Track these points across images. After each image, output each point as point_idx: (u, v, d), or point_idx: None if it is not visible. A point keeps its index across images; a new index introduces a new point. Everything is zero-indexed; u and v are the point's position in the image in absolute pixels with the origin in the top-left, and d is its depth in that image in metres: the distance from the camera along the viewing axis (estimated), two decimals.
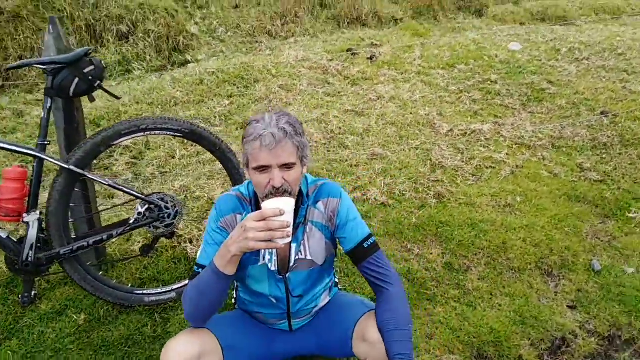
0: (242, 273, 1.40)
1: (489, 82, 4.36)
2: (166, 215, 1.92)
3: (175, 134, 1.92)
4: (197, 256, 1.39)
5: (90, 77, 1.74)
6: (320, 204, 1.42)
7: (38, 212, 1.74)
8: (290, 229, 1.15)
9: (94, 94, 1.84)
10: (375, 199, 2.54)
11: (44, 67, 1.69)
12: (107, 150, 2.55)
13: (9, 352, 1.76)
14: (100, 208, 2.23)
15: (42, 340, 1.81)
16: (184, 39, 5.40)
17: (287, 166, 1.25)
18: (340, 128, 3.43)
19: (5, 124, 3.59)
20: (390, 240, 2.28)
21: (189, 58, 5.28)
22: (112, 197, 2.72)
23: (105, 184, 1.84)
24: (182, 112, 3.80)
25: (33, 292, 1.89)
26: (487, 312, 1.98)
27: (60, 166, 1.74)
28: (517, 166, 3.01)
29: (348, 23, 6.48)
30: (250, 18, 5.97)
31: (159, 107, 3.91)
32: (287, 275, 1.42)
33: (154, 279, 2.10)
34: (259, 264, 1.39)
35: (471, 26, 7.00)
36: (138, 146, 3.26)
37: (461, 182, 2.77)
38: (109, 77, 4.77)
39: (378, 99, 4.02)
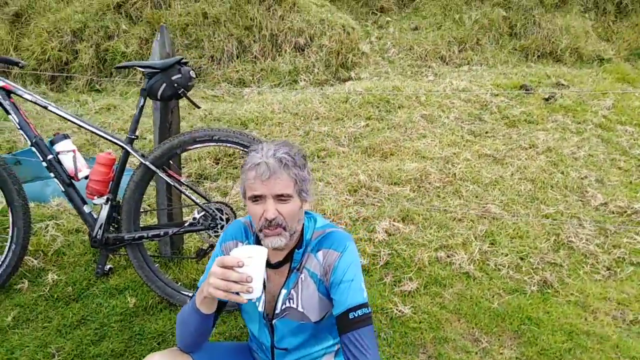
0: (241, 304, 1.33)
1: None
2: (219, 225, 1.94)
3: (244, 148, 1.93)
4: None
5: (175, 85, 1.87)
6: (320, 253, 1.25)
7: (107, 197, 1.94)
8: (254, 285, 1.02)
9: (197, 102, 1.98)
10: (460, 265, 2.15)
11: (143, 69, 1.88)
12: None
13: (71, 313, 2.01)
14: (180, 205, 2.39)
15: (97, 312, 2.02)
16: (353, 56, 5.51)
17: (281, 198, 1.14)
18: (464, 173, 3.03)
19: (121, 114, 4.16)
20: (458, 321, 1.90)
21: (353, 75, 5.37)
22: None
23: (171, 184, 1.96)
24: (318, 126, 3.87)
25: (108, 266, 2.12)
26: None
27: (140, 161, 1.91)
28: None
29: (538, 56, 5.74)
30: (426, 41, 5.76)
31: (301, 118, 4.06)
32: (274, 322, 1.29)
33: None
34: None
35: None
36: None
37: (585, 273, 2.15)
38: (278, 85, 5.18)
39: (530, 148, 3.44)
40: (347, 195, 2.79)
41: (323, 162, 3.39)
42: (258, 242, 1.24)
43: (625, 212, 2.64)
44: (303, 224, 1.26)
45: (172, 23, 5.11)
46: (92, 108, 4.14)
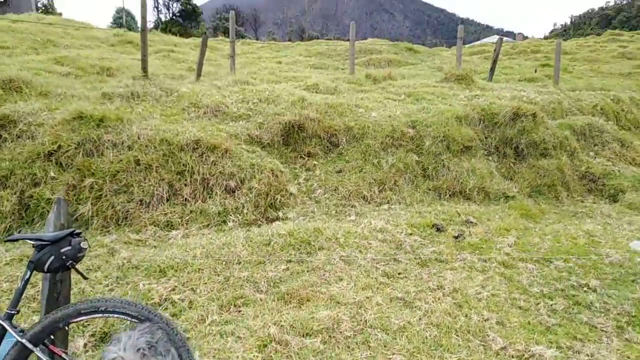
0: None
1: (584, 289, 3.61)
2: None
3: (132, 319, 1.91)
4: None
5: (64, 257, 1.90)
6: None
7: None
8: None
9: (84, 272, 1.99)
10: None
11: (32, 242, 1.91)
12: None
13: None
14: None
15: None
16: (281, 197, 5.80)
17: None
18: (374, 319, 3.08)
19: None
20: None
21: (281, 214, 5.58)
22: None
23: None
24: (238, 271, 3.90)
25: None
26: None
27: (16, 339, 1.84)
28: None
29: (450, 195, 6.28)
30: (349, 182, 6.20)
31: (223, 263, 4.08)
32: None
33: None
34: None
35: (599, 212, 6.16)
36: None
37: None
38: (206, 227, 5.26)
39: (437, 289, 3.60)
40: (255, 352, 2.74)
41: (239, 311, 3.35)
42: None
43: (523, 355, 2.75)
44: None
45: (102, 170, 5.25)
46: (2, 259, 3.97)
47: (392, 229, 4.79)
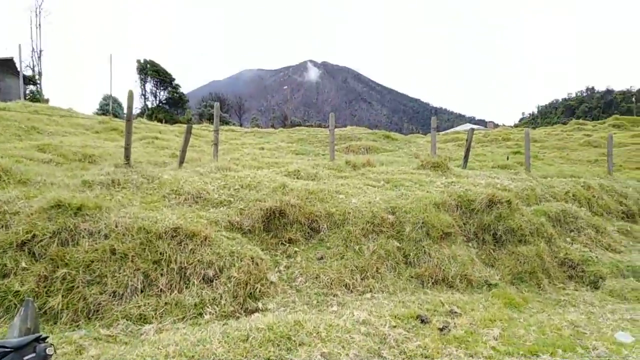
0: None
1: None
2: None
3: None
4: None
5: None
6: None
7: None
8: None
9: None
10: None
11: None
12: None
13: None
14: None
15: None
16: (261, 286, 5.65)
17: None
18: None
19: None
20: None
21: (260, 305, 5.41)
22: None
23: None
24: None
25: None
26: None
27: None
28: None
29: (433, 283, 6.22)
30: (331, 270, 6.12)
31: None
32: None
33: None
34: None
35: (581, 300, 6.14)
36: None
37: None
38: (182, 320, 5.03)
39: None
40: None
41: None
42: None
43: None
44: None
45: (76, 260, 5.09)
46: None
47: (376, 321, 4.66)
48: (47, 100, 34.13)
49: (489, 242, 7.30)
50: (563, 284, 6.81)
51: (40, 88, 43.30)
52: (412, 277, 6.26)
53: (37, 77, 43.69)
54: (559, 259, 7.23)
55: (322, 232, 6.85)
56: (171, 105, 56.33)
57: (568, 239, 7.83)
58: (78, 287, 4.92)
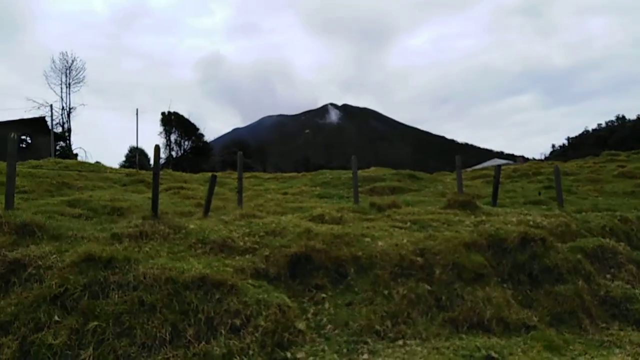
0: None
1: None
2: None
3: None
4: None
5: None
6: None
7: None
8: None
9: None
10: None
11: None
12: None
13: None
14: None
15: None
16: (289, 335, 5.65)
17: None
18: None
19: None
20: None
21: (289, 355, 5.39)
22: None
23: None
24: None
25: None
26: None
27: None
28: None
29: (467, 327, 6.09)
30: (360, 316, 6.08)
31: None
32: None
33: None
34: None
35: (627, 340, 5.89)
36: None
37: None
38: None
39: None
40: None
41: None
42: None
43: None
44: None
45: (106, 312, 5.24)
46: None
47: None
48: (76, 155, 35.73)
49: (524, 282, 7.15)
50: (606, 323, 6.55)
51: (70, 144, 45.42)
52: (445, 321, 6.15)
53: (66, 133, 45.97)
54: (600, 298, 6.99)
55: (349, 277, 6.85)
56: (195, 154, 58.06)
57: (608, 276, 7.58)
58: (108, 339, 5.03)
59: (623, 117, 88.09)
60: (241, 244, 7.33)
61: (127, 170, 17.71)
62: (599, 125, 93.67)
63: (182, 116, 59.36)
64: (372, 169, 24.98)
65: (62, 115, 46.24)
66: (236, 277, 6.17)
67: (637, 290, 7.05)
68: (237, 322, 5.66)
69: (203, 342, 5.37)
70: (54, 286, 5.37)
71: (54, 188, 11.12)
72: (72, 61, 49.03)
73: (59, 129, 44.74)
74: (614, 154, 29.36)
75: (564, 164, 27.68)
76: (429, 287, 6.53)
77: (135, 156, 40.03)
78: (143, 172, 16.30)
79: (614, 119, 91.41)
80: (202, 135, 59.60)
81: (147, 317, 5.35)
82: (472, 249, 7.36)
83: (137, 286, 5.62)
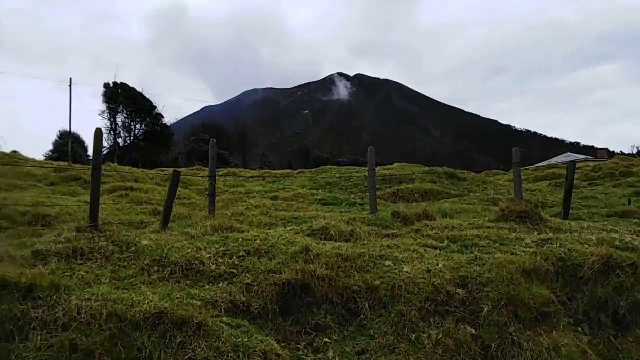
0: None
1: None
2: None
3: None
4: None
5: None
6: None
7: None
8: None
9: None
10: None
11: None
12: None
13: None
14: None
15: None
16: None
17: None
18: None
19: None
20: None
21: None
22: None
23: None
24: None
25: None
26: None
27: None
28: None
29: None
30: None
31: None
32: None
33: None
34: None
35: None
36: None
37: None
38: None
39: None
40: None
41: None
42: None
43: None
44: None
45: (26, 359, 5.24)
46: None
47: None
48: None
49: (607, 326, 7.14)
50: None
51: None
52: None
53: None
54: None
55: (362, 315, 6.85)
56: (151, 143, 58.12)
57: None
58: None
59: None
60: (213, 267, 7.33)
61: (56, 163, 17.72)
62: None
63: (132, 89, 59.52)
64: (396, 165, 25.04)
65: None
66: (206, 313, 6.17)
67: None
68: None
69: None
70: None
71: None
72: None
73: None
74: None
75: None
76: (473, 331, 6.52)
77: (67, 144, 40.09)
78: (78, 166, 16.32)
79: None
80: (159, 117, 59.72)
81: None
82: (534, 278, 7.35)
83: (67, 325, 5.61)
